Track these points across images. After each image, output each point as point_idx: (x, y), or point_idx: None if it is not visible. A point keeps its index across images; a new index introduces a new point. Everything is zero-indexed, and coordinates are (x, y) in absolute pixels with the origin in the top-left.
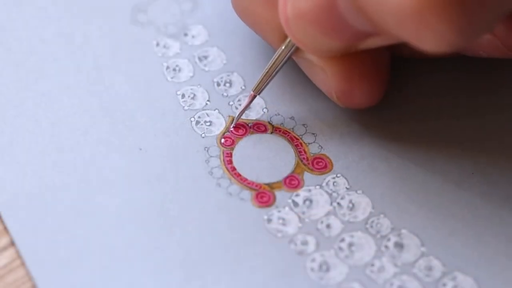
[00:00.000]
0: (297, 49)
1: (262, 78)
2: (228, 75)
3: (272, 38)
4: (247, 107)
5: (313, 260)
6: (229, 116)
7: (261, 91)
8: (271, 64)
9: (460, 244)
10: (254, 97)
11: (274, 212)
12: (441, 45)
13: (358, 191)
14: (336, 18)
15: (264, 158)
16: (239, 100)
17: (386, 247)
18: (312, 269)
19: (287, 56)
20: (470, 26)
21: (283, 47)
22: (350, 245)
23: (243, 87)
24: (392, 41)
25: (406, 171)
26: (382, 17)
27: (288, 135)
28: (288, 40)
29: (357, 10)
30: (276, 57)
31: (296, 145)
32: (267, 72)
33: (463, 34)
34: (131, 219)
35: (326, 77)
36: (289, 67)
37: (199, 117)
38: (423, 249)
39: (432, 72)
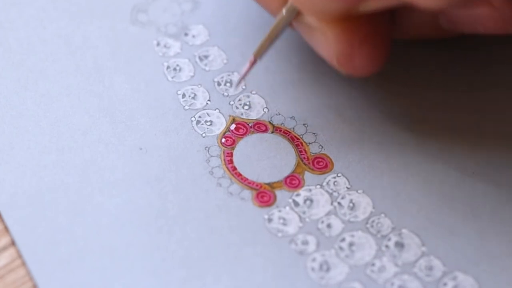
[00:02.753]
0: (297, 14)
1: (263, 43)
2: (229, 75)
3: (272, 3)
4: (248, 72)
5: (314, 259)
6: (230, 115)
7: (262, 56)
8: (272, 29)
9: (461, 243)
10: (255, 61)
11: (274, 212)
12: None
13: (359, 191)
14: None
15: (265, 157)
16: (239, 100)
17: (387, 246)
18: (312, 269)
19: (287, 21)
20: None
21: (283, 12)
22: (351, 244)
23: (243, 87)
24: (392, 1)
25: (407, 171)
26: None
27: (288, 135)
28: (288, 4)
29: None
30: (277, 22)
31: (297, 145)
32: (268, 37)
33: None
34: (131, 219)
35: (327, 41)
36: (289, 66)
37: (199, 116)
38: (423, 248)
39: (432, 72)
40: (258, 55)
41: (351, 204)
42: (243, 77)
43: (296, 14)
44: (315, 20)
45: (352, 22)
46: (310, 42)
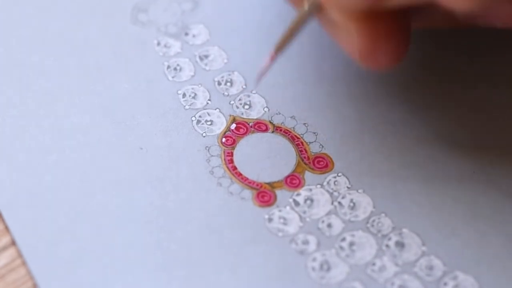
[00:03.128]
0: (320, 8)
1: (284, 37)
2: (229, 74)
3: None
4: (268, 68)
5: (314, 259)
6: (230, 115)
7: (283, 51)
8: (293, 23)
9: (461, 243)
10: (276, 57)
11: (275, 212)
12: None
13: (359, 190)
14: None
15: (265, 157)
16: (240, 99)
17: (387, 246)
18: (313, 269)
19: (309, 16)
20: None
21: (305, 7)
22: (351, 244)
23: (244, 86)
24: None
25: (407, 170)
26: None
27: (289, 134)
28: None
29: None
30: (298, 16)
31: (297, 144)
32: (289, 31)
33: None
34: (132, 218)
35: (350, 37)
36: (289, 66)
37: (200, 116)
38: (424, 248)
39: (434, 72)
40: (279, 50)
41: (351, 204)
42: (264, 73)
43: (318, 9)
44: (339, 16)
45: (375, 18)
46: (333, 37)
